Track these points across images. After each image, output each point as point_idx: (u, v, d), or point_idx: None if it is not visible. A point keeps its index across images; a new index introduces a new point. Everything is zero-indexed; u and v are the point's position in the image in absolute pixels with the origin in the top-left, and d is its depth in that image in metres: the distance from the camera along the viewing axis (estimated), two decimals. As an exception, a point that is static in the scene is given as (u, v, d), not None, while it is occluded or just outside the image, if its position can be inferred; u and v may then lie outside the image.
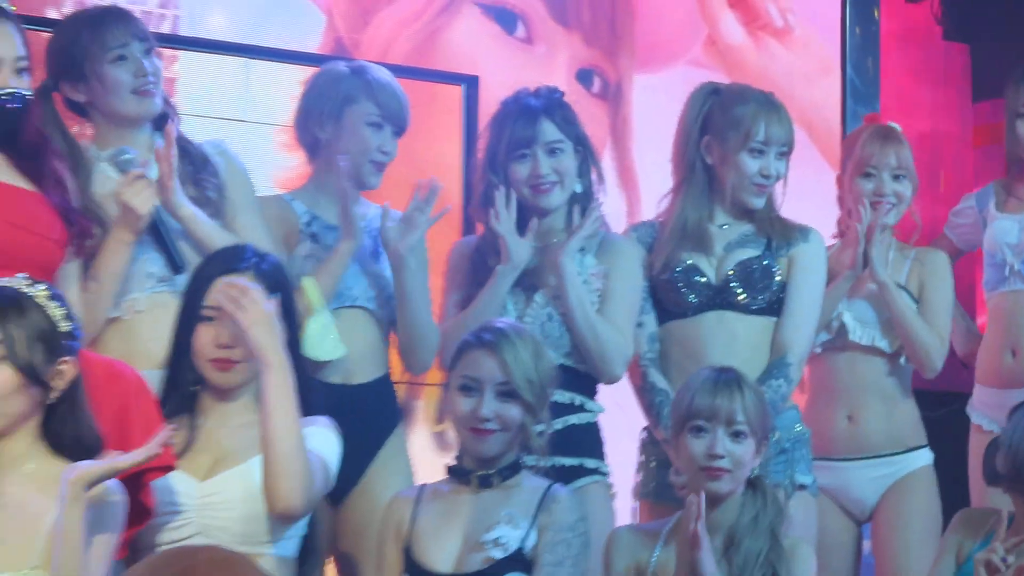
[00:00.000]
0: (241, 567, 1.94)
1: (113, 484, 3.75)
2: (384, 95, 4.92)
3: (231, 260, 4.23)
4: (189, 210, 4.58)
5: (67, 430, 3.77)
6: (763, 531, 4.25)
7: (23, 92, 4.31)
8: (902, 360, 5.36)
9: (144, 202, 4.49)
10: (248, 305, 4.03)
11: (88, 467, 3.65)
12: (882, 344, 5.34)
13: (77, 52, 4.63)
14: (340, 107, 4.92)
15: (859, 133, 5.54)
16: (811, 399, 5.47)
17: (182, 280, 4.46)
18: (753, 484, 4.31)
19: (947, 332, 5.37)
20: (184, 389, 4.23)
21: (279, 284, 4.22)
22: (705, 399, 4.27)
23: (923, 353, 5.28)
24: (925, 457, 5.38)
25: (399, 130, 4.96)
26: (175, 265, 4.56)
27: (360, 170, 4.90)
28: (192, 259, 4.51)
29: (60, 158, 4.47)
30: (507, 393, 4.28)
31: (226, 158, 4.78)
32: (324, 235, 4.93)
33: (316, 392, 4.27)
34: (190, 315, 4.21)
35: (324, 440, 4.15)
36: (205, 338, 4.17)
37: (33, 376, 3.71)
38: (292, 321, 4.23)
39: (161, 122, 4.70)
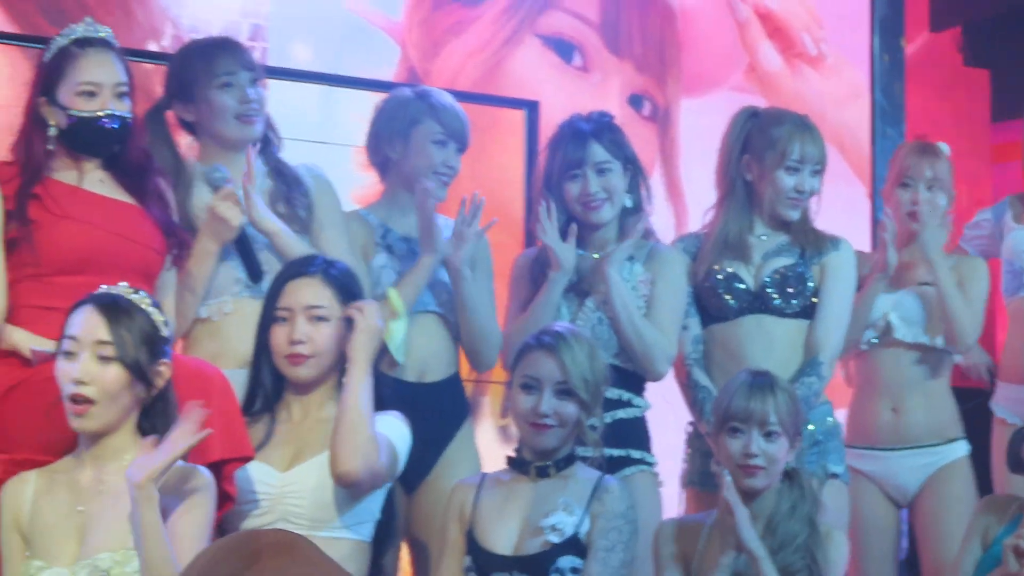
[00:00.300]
0: (303, 549, 1.89)
1: (203, 471, 3.76)
2: (446, 115, 4.94)
3: (302, 265, 4.29)
4: (273, 225, 4.60)
5: (160, 425, 3.79)
6: (800, 519, 4.23)
7: (121, 114, 4.33)
8: (942, 346, 5.31)
9: (233, 216, 4.52)
10: (366, 314, 4.11)
11: (150, 465, 3.63)
12: (924, 339, 5.31)
13: (189, 76, 4.69)
14: (407, 128, 4.93)
15: (902, 148, 5.57)
16: (857, 393, 5.47)
17: (266, 286, 4.47)
18: (790, 476, 4.30)
19: (981, 318, 5.33)
20: (266, 386, 4.24)
21: (346, 288, 4.24)
22: (740, 403, 4.27)
23: (959, 328, 5.25)
24: (963, 448, 5.36)
25: (462, 147, 4.98)
26: (254, 273, 4.58)
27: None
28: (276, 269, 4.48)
29: (163, 175, 4.52)
30: (564, 391, 4.27)
31: (317, 180, 4.80)
32: (397, 246, 4.94)
33: (387, 387, 4.28)
34: (268, 317, 4.24)
35: (392, 427, 4.16)
36: (280, 337, 4.19)
37: (140, 375, 3.74)
38: None
39: (266, 145, 4.73)
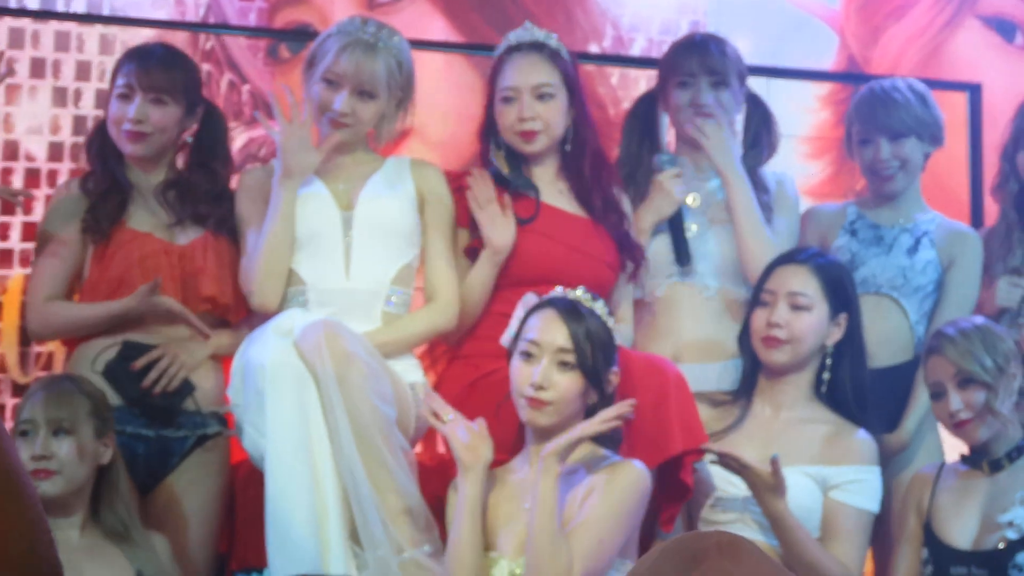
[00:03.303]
0: (747, 552, 1.85)
1: (637, 465, 3.77)
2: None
3: (793, 253, 4.33)
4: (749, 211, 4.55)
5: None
6: None
7: (531, 127, 4.37)
8: None
9: (677, 191, 4.55)
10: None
11: (557, 442, 3.68)
12: None
13: (661, 72, 4.74)
14: None
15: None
16: None
17: (702, 273, 4.55)
18: None
19: None
20: (746, 368, 4.28)
21: (835, 280, 4.23)
22: None
23: None
24: None
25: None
26: (681, 255, 4.57)
27: None
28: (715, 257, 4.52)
29: (617, 182, 4.54)
30: (966, 381, 4.14)
31: (780, 187, 4.73)
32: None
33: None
34: (754, 299, 4.28)
35: None
36: (759, 321, 4.22)
37: (596, 382, 3.75)
38: (854, 325, 4.22)
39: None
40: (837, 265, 4.32)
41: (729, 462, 3.99)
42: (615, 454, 3.81)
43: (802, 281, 4.20)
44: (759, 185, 4.63)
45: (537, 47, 4.41)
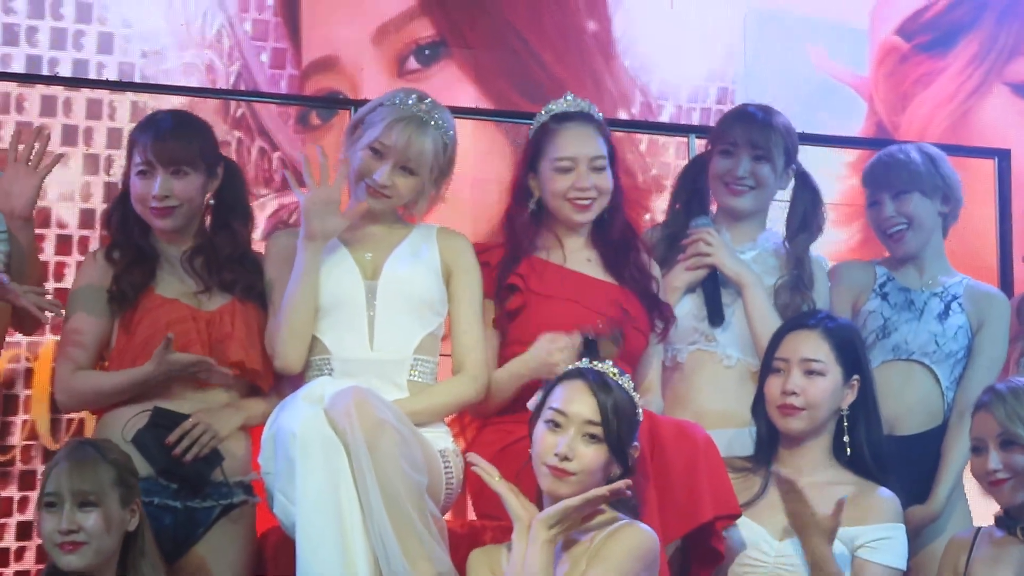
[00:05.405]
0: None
1: (644, 529, 3.71)
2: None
3: (803, 318, 4.32)
4: (746, 277, 4.57)
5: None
6: None
7: (602, 190, 4.39)
8: None
9: (706, 249, 4.58)
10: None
11: (548, 511, 3.66)
12: None
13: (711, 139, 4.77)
14: None
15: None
16: None
17: (724, 343, 4.56)
18: None
19: None
20: (763, 437, 4.26)
21: (847, 343, 4.22)
22: None
23: None
24: None
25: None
26: (715, 314, 4.59)
27: None
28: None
29: (648, 250, 4.54)
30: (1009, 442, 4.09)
31: (819, 270, 4.74)
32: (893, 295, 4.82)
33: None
34: (766, 366, 4.26)
35: None
36: (773, 388, 4.20)
37: (620, 456, 3.73)
38: (867, 386, 4.21)
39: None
40: (848, 328, 4.30)
41: (787, 493, 3.99)
42: (627, 517, 3.77)
43: (814, 346, 4.19)
44: (804, 273, 4.63)
45: (587, 118, 4.45)
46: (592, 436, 3.72)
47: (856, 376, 4.21)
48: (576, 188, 4.38)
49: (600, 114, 4.49)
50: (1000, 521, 4.18)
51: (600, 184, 4.40)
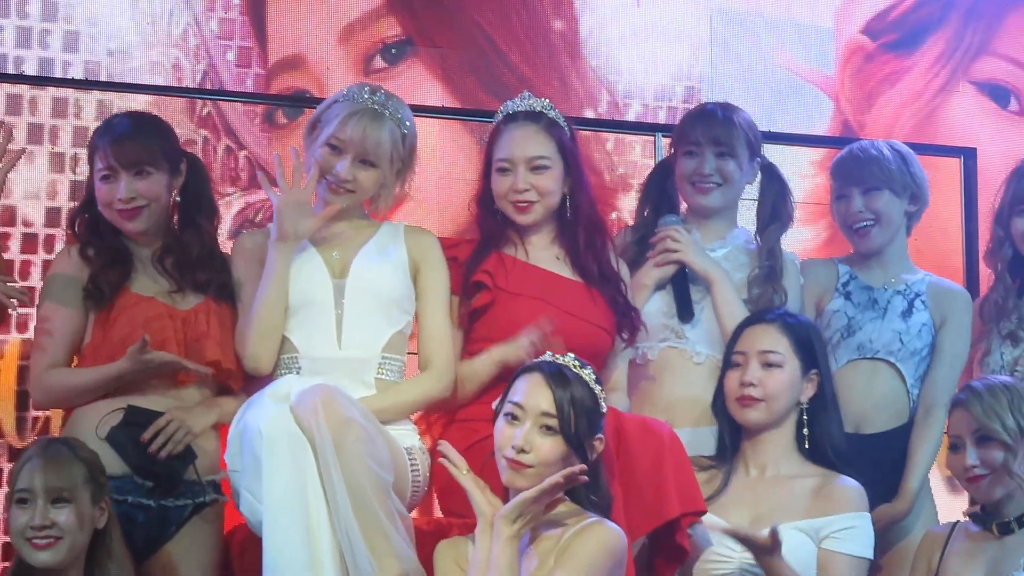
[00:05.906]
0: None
1: (610, 526, 3.70)
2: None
3: (761, 313, 4.36)
4: (715, 273, 4.56)
5: (590, 493, 3.77)
6: None
7: (543, 191, 4.38)
8: None
9: (673, 245, 4.58)
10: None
11: (507, 507, 3.67)
12: None
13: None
14: None
15: None
16: None
17: (693, 340, 4.57)
18: None
19: None
20: (723, 433, 4.26)
21: (805, 338, 4.24)
22: None
23: None
24: None
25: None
26: (684, 311, 4.60)
27: None
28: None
29: (617, 251, 4.55)
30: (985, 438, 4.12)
31: (791, 265, 4.76)
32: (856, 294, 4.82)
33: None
34: (726, 362, 4.28)
35: None
36: (732, 382, 4.22)
37: (578, 448, 3.73)
38: (825, 381, 4.24)
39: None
40: (806, 324, 4.32)
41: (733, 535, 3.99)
42: (597, 515, 3.77)
43: (772, 339, 4.21)
44: (777, 264, 4.65)
45: (534, 117, 4.42)
46: (548, 428, 3.72)
47: (815, 370, 4.23)
48: (514, 190, 4.38)
49: (555, 112, 4.44)
50: (975, 517, 4.19)
51: (540, 185, 4.38)
